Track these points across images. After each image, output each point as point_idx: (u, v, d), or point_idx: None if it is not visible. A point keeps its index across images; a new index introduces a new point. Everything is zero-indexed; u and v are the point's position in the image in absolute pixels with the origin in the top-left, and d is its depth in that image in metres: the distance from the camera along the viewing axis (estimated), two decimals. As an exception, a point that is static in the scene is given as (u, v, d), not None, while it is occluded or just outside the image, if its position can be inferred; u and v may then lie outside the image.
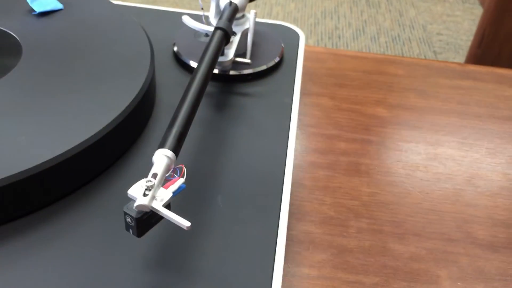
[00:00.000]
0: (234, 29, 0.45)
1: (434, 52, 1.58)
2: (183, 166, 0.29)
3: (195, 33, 0.49)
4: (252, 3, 1.62)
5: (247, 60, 0.43)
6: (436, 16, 1.75)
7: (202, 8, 0.48)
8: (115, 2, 0.49)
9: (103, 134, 0.33)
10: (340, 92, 0.55)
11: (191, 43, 0.48)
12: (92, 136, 0.33)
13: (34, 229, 0.31)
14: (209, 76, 0.35)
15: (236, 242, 0.32)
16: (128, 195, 0.26)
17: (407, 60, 0.62)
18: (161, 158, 0.27)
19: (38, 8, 0.44)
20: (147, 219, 0.26)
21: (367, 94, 0.55)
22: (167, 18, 0.54)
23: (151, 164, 0.28)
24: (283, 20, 1.57)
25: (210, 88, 0.45)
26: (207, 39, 0.49)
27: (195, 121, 0.42)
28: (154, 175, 0.26)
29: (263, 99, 0.44)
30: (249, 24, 0.46)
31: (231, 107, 0.43)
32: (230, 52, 0.43)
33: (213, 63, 0.36)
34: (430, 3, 1.82)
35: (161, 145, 0.28)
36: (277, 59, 0.47)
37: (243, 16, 0.46)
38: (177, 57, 0.47)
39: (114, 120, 0.34)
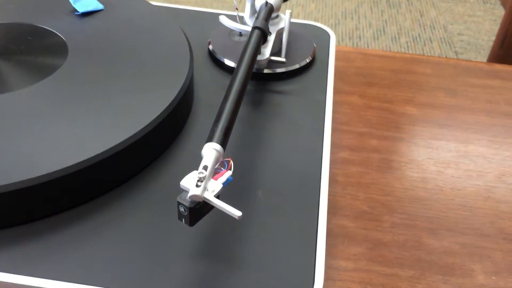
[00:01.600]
0: (269, 28, 0.47)
1: (456, 52, 1.57)
2: (230, 159, 0.30)
3: (229, 32, 0.50)
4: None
5: (282, 59, 0.45)
6: (457, 16, 1.74)
7: (237, 9, 0.49)
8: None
9: (149, 129, 0.35)
10: (369, 91, 0.56)
11: (225, 42, 0.50)
12: (139, 131, 0.34)
13: (88, 218, 0.32)
14: (250, 72, 0.36)
15: (279, 234, 0.33)
16: (181, 186, 0.27)
17: (434, 59, 0.62)
18: (210, 151, 0.28)
19: (80, 9, 0.45)
20: (199, 209, 0.27)
21: (396, 93, 0.56)
22: (200, 18, 0.55)
23: (200, 157, 0.29)
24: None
25: (248, 86, 0.46)
26: (241, 38, 0.50)
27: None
28: (205, 167, 0.27)
29: (297, 97, 0.45)
30: (283, 23, 0.47)
31: (267, 104, 0.44)
32: (267, 51, 0.44)
33: (253, 60, 0.37)
34: (451, 3, 1.81)
35: (209, 139, 0.29)
36: (309, 59, 0.48)
37: (277, 16, 0.48)
38: (212, 56, 0.48)
39: (158, 116, 0.36)
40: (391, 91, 0.56)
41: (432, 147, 0.49)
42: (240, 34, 0.50)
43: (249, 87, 0.46)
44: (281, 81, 0.47)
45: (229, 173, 0.29)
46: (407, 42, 1.59)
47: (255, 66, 0.45)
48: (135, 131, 0.34)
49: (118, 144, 0.33)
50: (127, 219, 0.32)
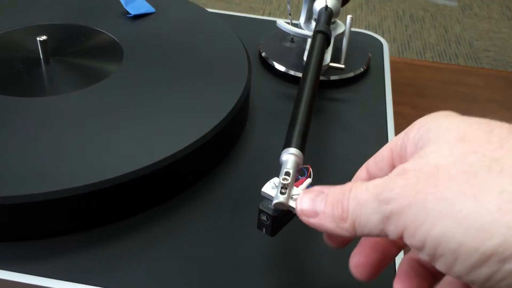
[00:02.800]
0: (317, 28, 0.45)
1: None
2: (309, 166, 0.28)
3: (281, 38, 0.49)
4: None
5: (341, 65, 0.43)
6: (482, 32, 1.73)
7: (290, 14, 0.48)
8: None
9: (210, 136, 0.33)
10: (420, 102, 0.54)
11: (277, 47, 0.48)
12: (200, 138, 0.32)
13: (155, 224, 0.30)
14: (318, 76, 0.35)
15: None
16: (262, 194, 0.25)
17: (485, 71, 0.60)
18: (291, 157, 0.27)
19: (132, 11, 0.44)
20: (282, 218, 0.26)
21: (448, 105, 0.54)
22: (246, 23, 0.54)
23: (280, 164, 0.27)
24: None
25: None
26: (293, 44, 0.49)
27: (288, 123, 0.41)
28: (287, 174, 0.25)
29: (355, 106, 0.43)
30: (340, 29, 0.46)
31: (325, 111, 0.42)
32: (327, 56, 0.42)
33: (320, 63, 0.36)
34: (475, 20, 1.79)
35: (288, 144, 0.27)
36: (364, 67, 0.47)
37: (334, 21, 0.46)
38: (263, 61, 0.47)
39: (219, 124, 0.34)
40: (444, 103, 0.54)
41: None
42: (292, 40, 0.49)
43: (303, 94, 0.44)
44: (335, 89, 0.45)
45: (309, 181, 0.27)
46: (432, 57, 1.57)
47: (312, 72, 0.44)
48: (197, 138, 0.32)
49: (180, 151, 0.31)
50: (190, 227, 0.31)
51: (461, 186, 0.18)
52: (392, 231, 0.19)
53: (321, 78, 0.44)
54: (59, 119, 0.32)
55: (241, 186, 0.34)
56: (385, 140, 0.39)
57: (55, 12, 0.44)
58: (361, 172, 0.26)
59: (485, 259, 0.17)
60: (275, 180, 0.26)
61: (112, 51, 0.40)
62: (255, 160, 0.36)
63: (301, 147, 0.27)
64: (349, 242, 0.25)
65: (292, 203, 0.25)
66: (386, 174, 0.21)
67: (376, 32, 1.72)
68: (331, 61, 0.46)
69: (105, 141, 0.31)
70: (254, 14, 1.73)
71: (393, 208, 0.19)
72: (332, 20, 0.45)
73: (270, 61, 0.46)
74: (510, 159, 0.18)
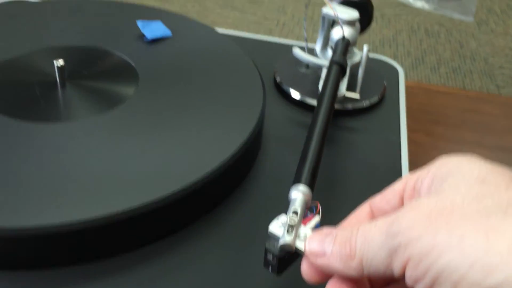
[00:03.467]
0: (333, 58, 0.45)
1: (497, 86, 1.54)
2: (318, 203, 0.27)
3: (296, 63, 0.49)
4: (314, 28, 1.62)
5: (357, 95, 0.43)
6: (498, 49, 1.71)
7: (306, 40, 0.47)
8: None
9: (223, 168, 0.33)
10: (435, 129, 0.54)
11: (291, 73, 0.48)
12: (214, 170, 0.32)
13: (157, 258, 0.30)
14: (332, 109, 0.34)
15: None
16: (269, 233, 0.25)
17: (501, 99, 0.60)
18: (299, 195, 0.26)
19: (149, 35, 0.44)
20: (288, 258, 0.25)
21: (463, 133, 0.53)
22: (262, 46, 0.54)
23: (288, 200, 0.27)
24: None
25: (313, 121, 0.44)
26: (307, 70, 0.49)
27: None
28: (295, 213, 0.25)
29: (368, 135, 0.43)
30: (357, 58, 0.45)
31: (338, 141, 0.42)
32: (343, 87, 0.42)
33: (334, 96, 0.36)
34: (491, 36, 1.78)
35: (297, 180, 0.27)
36: (379, 97, 0.46)
37: (351, 49, 0.46)
38: (277, 86, 0.47)
39: (232, 155, 0.34)
40: (458, 131, 0.54)
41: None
42: (307, 66, 0.49)
43: (317, 122, 0.44)
44: (349, 117, 0.45)
45: (317, 219, 0.26)
46: (447, 73, 1.56)
47: (327, 101, 0.43)
48: (207, 171, 0.32)
49: (192, 184, 0.31)
50: (199, 260, 0.30)
51: (474, 224, 0.18)
52: (397, 265, 0.19)
53: (337, 107, 0.44)
54: (74, 146, 0.32)
55: (252, 219, 0.34)
56: (398, 172, 0.39)
57: (71, 33, 0.44)
58: (364, 207, 0.26)
59: None
60: (283, 218, 0.25)
61: (128, 75, 0.40)
62: (266, 191, 0.36)
63: (310, 184, 0.27)
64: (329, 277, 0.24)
65: (298, 243, 0.24)
66: (394, 209, 0.21)
67: (390, 46, 1.71)
68: (347, 89, 0.45)
69: (113, 172, 0.31)
70: (268, 23, 1.73)
71: (401, 240, 0.19)
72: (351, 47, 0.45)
73: (285, 86, 0.46)
74: None
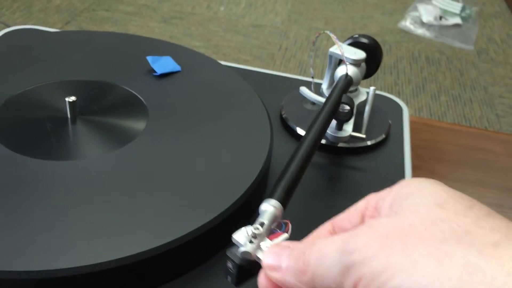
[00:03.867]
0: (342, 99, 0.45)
1: (497, 115, 1.55)
2: (288, 221, 0.27)
3: (302, 99, 0.49)
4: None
5: (362, 135, 0.43)
6: (498, 78, 1.73)
7: (313, 77, 0.48)
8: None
9: (231, 211, 0.33)
10: (438, 167, 0.54)
11: (298, 109, 0.48)
12: (220, 214, 0.32)
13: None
14: (321, 137, 0.35)
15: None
16: (232, 240, 0.25)
17: (503, 136, 0.60)
18: (269, 208, 0.26)
19: (159, 70, 0.45)
20: (249, 269, 0.25)
21: (465, 171, 0.54)
22: (270, 79, 0.54)
23: (257, 213, 0.27)
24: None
25: (318, 158, 0.44)
26: (314, 107, 0.49)
27: (306, 191, 0.41)
28: (261, 224, 0.25)
29: (372, 174, 0.43)
30: (363, 97, 0.46)
31: (342, 180, 0.42)
32: (349, 127, 0.42)
33: (325, 126, 0.36)
34: (491, 65, 1.80)
35: (270, 196, 0.27)
36: (383, 136, 0.47)
37: (356, 89, 0.47)
38: (284, 122, 0.47)
39: (240, 197, 0.34)
40: (460, 169, 0.54)
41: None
42: (313, 103, 0.49)
43: (321, 160, 0.44)
44: (352, 155, 0.45)
45: (285, 236, 0.26)
46: (447, 101, 1.57)
47: (331, 139, 0.44)
48: (214, 216, 0.32)
49: (199, 227, 0.31)
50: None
51: (428, 248, 0.18)
52: (349, 283, 0.19)
53: (342, 145, 0.45)
54: (83, 185, 0.33)
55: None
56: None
57: (82, 66, 0.45)
58: (326, 225, 0.26)
59: None
60: (249, 229, 0.25)
61: (137, 110, 0.40)
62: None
63: (283, 201, 0.27)
64: None
65: (260, 255, 0.24)
66: (354, 228, 0.21)
67: (391, 73, 1.73)
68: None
69: (122, 215, 0.31)
70: (270, 48, 1.76)
71: (355, 258, 0.19)
72: (354, 87, 0.46)
73: (290, 123, 0.47)
74: (481, 237, 0.18)
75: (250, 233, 0.24)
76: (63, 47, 0.47)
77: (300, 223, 0.32)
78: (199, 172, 0.35)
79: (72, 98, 0.38)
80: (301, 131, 0.46)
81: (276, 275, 0.22)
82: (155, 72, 0.45)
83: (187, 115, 0.41)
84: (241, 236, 0.25)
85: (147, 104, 0.41)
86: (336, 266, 0.20)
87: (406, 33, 1.94)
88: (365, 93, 0.47)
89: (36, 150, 0.35)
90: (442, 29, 1.98)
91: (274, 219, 0.26)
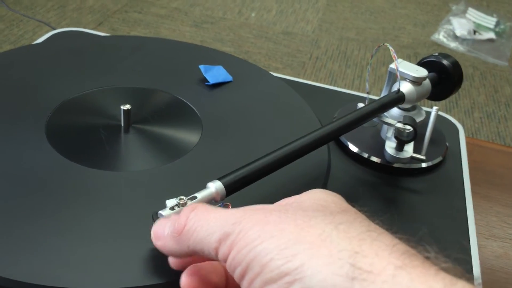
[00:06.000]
0: (405, 120, 0.43)
1: (533, 134, 1.51)
2: (229, 204, 0.28)
3: (355, 116, 0.48)
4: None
5: (422, 157, 0.41)
6: (533, 96, 1.68)
7: (368, 92, 0.46)
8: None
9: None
10: (491, 192, 0.52)
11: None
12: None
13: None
14: (310, 144, 0.34)
15: None
16: (166, 203, 0.26)
17: (558, 161, 0.58)
18: (211, 186, 0.27)
19: (211, 79, 0.44)
20: None
21: (520, 197, 0.51)
22: (319, 92, 0.53)
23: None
24: (362, 90, 1.55)
25: (373, 178, 0.43)
26: (367, 123, 0.47)
27: (360, 209, 0.39)
28: (193, 198, 0.26)
29: (431, 198, 0.41)
30: (422, 117, 0.44)
31: (399, 203, 0.40)
32: (410, 148, 0.41)
33: (323, 136, 0.35)
34: (526, 82, 1.76)
35: (221, 177, 0.28)
36: (441, 158, 0.45)
37: (415, 107, 0.45)
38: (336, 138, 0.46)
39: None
40: (515, 194, 0.52)
41: None
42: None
43: (376, 179, 0.42)
44: (410, 177, 0.43)
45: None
46: (481, 118, 1.54)
47: (389, 159, 0.42)
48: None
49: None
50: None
51: (297, 221, 0.21)
52: (224, 249, 0.21)
53: (398, 165, 0.43)
54: (131, 197, 0.32)
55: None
56: (467, 249, 0.37)
57: (133, 74, 0.44)
58: None
59: (279, 277, 0.19)
60: (181, 198, 0.26)
61: (191, 121, 0.39)
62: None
63: (227, 184, 0.28)
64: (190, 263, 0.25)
65: None
66: None
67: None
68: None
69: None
70: (301, 56, 1.74)
71: (236, 228, 0.21)
72: (408, 105, 0.44)
73: (342, 139, 0.45)
74: (340, 217, 0.22)
75: (176, 202, 0.26)
76: (114, 52, 0.46)
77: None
78: (253, 189, 0.34)
79: (127, 106, 0.36)
80: (353, 147, 0.44)
81: (158, 243, 0.24)
82: (207, 81, 0.44)
83: (238, 127, 0.40)
84: (171, 202, 0.26)
85: (201, 115, 0.40)
86: (217, 233, 0.22)
87: (439, 46, 1.91)
88: (424, 113, 0.45)
89: (87, 158, 0.34)
90: (476, 43, 1.94)
91: (209, 198, 0.27)
